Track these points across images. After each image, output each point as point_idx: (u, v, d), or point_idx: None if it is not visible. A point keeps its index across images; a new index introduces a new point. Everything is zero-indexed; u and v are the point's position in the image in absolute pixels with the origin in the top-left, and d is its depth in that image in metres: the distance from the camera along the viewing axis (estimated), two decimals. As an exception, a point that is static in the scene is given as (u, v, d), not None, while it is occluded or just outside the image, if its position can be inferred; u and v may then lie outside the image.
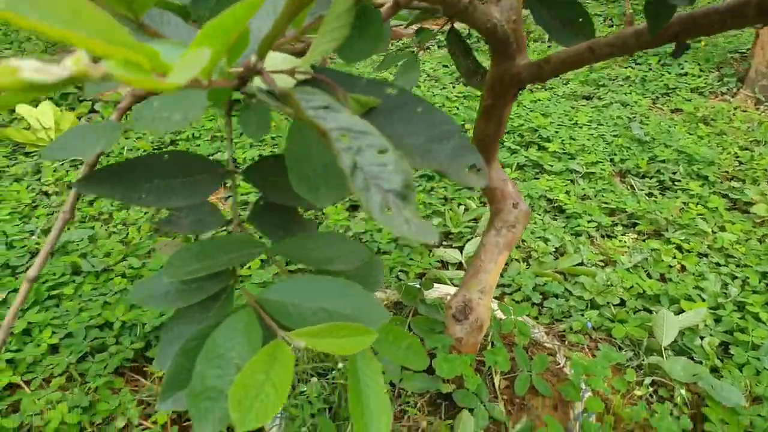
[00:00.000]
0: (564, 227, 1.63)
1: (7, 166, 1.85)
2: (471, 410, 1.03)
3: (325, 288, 0.52)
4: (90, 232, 1.52)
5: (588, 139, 2.10)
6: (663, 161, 2.01)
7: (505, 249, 1.05)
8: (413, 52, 0.98)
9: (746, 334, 1.24)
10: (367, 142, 0.31)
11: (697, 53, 3.03)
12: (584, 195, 1.81)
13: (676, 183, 1.93)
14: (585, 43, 0.71)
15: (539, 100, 2.48)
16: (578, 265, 1.45)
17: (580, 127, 2.20)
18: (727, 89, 2.71)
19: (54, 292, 1.33)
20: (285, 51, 0.46)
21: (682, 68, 2.89)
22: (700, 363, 1.20)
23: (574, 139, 2.09)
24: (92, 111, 2.22)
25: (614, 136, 2.17)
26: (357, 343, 0.48)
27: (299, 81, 0.42)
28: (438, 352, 1.04)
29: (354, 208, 1.71)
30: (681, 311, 1.32)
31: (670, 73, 2.85)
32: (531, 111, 2.33)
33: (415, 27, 1.06)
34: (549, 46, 3.13)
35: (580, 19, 0.70)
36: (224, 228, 1.41)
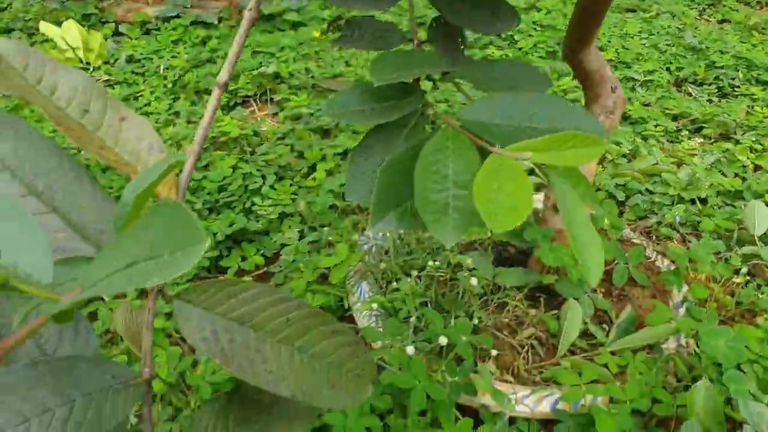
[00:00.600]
0: (632, 132, 1.57)
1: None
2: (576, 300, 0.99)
3: (533, 105, 0.46)
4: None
5: (641, 48, 2.01)
6: (721, 67, 1.93)
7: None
8: None
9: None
10: None
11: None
12: (646, 102, 1.74)
13: (735, 89, 1.85)
14: None
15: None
16: (654, 165, 1.40)
17: (632, 37, 2.10)
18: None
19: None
20: None
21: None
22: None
23: (627, 48, 2.00)
24: (116, 33, 2.11)
25: (667, 45, 2.07)
26: (584, 155, 0.42)
27: None
28: (540, 242, 0.99)
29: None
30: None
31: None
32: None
33: None
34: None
35: None
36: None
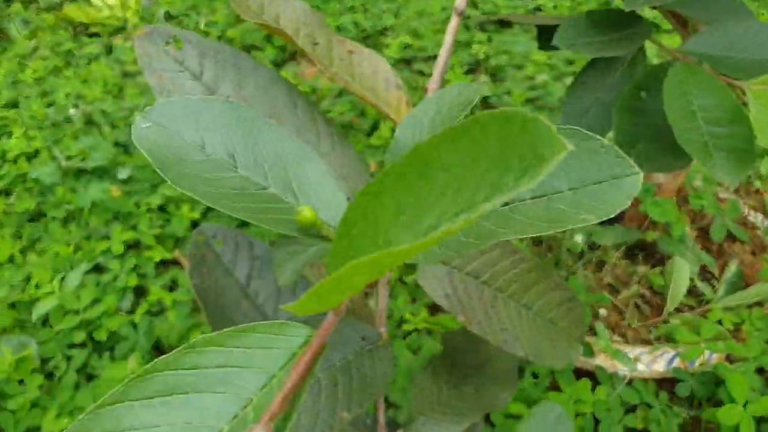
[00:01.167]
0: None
1: (77, 48, 1.69)
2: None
3: (763, 34, 0.40)
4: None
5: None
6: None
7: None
8: None
9: None
10: None
11: None
12: None
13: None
14: None
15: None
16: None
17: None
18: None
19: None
20: None
21: None
22: None
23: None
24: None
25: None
26: None
27: None
28: (643, 196, 0.95)
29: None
30: None
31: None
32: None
33: None
34: None
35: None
36: None
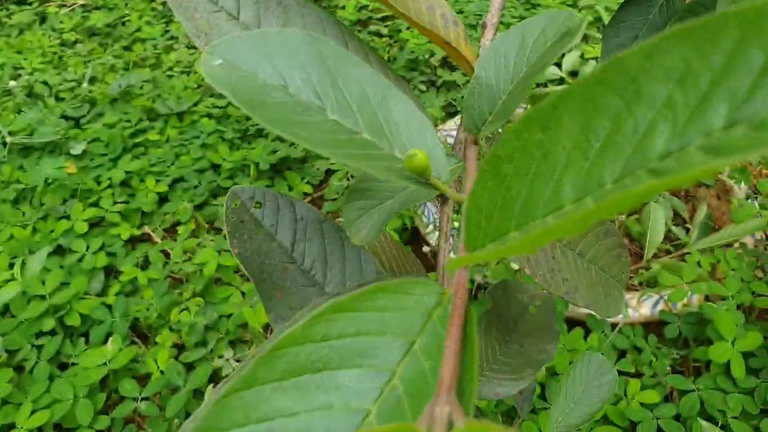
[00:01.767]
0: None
1: (5, 16, 1.55)
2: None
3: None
4: (148, 75, 1.31)
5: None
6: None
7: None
8: None
9: None
10: None
11: None
12: None
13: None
14: None
15: None
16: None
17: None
18: None
19: (137, 140, 1.15)
20: None
21: None
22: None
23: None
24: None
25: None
26: None
27: None
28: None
29: None
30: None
31: None
32: None
33: None
34: None
35: None
36: None
